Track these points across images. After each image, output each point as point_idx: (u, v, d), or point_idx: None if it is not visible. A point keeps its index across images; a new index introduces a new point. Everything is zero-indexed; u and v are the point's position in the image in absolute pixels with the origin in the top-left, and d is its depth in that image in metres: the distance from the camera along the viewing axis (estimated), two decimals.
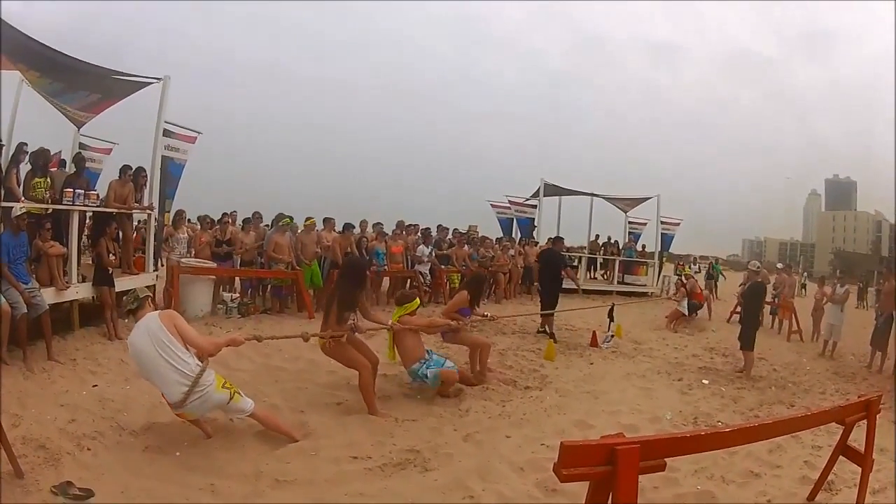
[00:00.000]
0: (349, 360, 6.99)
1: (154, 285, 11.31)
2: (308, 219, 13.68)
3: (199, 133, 13.22)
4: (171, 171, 12.50)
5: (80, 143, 13.10)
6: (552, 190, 22.75)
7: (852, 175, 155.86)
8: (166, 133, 12.00)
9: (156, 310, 5.59)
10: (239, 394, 5.53)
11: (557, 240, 14.85)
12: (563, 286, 12.94)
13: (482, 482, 5.16)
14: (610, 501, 3.18)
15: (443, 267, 16.66)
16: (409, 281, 15.70)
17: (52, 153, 10.11)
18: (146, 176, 11.21)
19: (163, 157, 11.92)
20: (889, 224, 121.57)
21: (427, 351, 7.74)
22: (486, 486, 5.11)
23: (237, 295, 12.84)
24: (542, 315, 12.52)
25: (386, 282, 15.77)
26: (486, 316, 9.68)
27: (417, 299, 8.14)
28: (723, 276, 27.14)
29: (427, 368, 7.43)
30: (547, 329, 12.10)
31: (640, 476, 3.15)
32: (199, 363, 5.32)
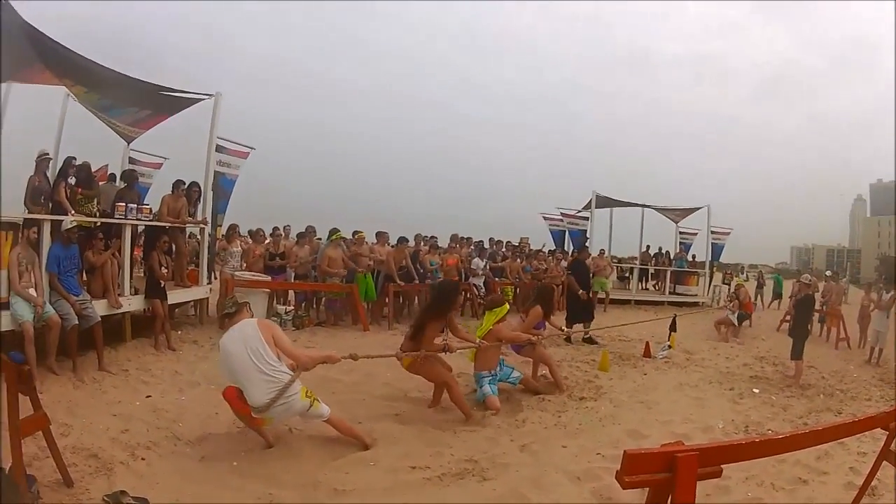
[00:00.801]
0: (436, 374, 7.14)
1: (207, 298, 11.57)
2: (357, 232, 13.66)
3: (251, 148, 13.37)
4: (223, 186, 12.63)
5: (130, 158, 13.20)
6: (603, 202, 22.73)
7: None
8: (218, 148, 12.16)
9: (252, 317, 5.76)
10: (318, 401, 5.62)
11: (583, 250, 15.44)
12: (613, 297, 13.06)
13: (539, 491, 5.11)
14: None
15: (496, 279, 16.47)
16: (464, 293, 15.18)
17: (97, 167, 10.03)
18: (199, 190, 11.25)
19: (215, 171, 12.05)
20: None
21: (500, 361, 7.90)
22: (543, 495, 5.05)
23: (291, 308, 12.65)
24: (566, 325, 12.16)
25: None
26: (563, 329, 10.15)
27: (507, 304, 8.24)
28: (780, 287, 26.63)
29: (490, 382, 7.55)
30: (590, 336, 12.16)
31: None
32: (290, 372, 5.41)
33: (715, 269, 25.36)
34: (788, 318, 15.68)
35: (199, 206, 11.35)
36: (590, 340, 10.14)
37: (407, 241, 14.41)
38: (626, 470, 2.99)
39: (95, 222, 8.94)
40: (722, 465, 3.30)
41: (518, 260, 17.60)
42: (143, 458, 5.12)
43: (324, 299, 13.39)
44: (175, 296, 10.00)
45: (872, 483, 5.10)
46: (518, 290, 16.34)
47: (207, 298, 11.74)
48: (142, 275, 10.02)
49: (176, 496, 4.49)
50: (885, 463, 4.88)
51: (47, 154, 9.17)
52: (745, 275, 25.57)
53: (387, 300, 13.55)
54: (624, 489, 3.13)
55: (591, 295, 13.92)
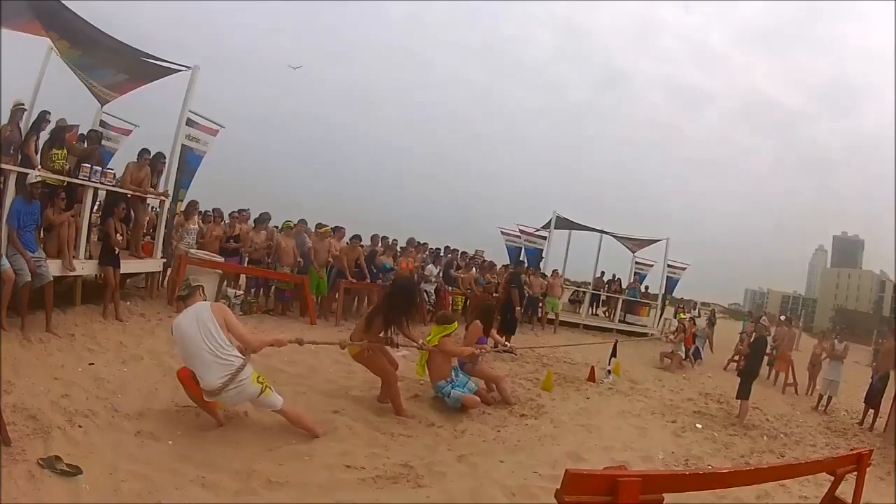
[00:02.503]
0: (381, 368, 7.30)
1: (159, 272, 11.52)
2: (321, 226, 13.71)
3: (221, 127, 13.26)
4: (190, 161, 12.52)
5: (102, 121, 12.99)
6: (564, 223, 22.89)
7: (861, 233, 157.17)
8: (189, 122, 12.05)
9: (205, 300, 5.89)
10: (270, 389, 5.73)
11: (520, 264, 16.81)
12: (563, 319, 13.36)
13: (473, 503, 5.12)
14: None
15: (448, 289, 16.47)
16: None
17: (72, 126, 9.98)
18: (164, 162, 11.20)
19: (183, 145, 11.96)
20: (892, 284, 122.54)
21: (454, 369, 8.08)
22: None
23: (241, 292, 12.69)
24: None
25: None
26: (507, 346, 10.20)
27: (456, 322, 8.50)
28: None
29: (452, 388, 7.74)
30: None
31: None
32: (241, 356, 5.52)
33: (668, 302, 25.62)
34: (736, 357, 16.22)
35: (163, 178, 11.25)
36: (509, 351, 10.38)
37: (360, 238, 14.44)
38: (566, 489, 3.02)
39: (62, 181, 8.81)
40: (663, 495, 3.35)
41: (473, 270, 17.59)
42: (80, 426, 5.10)
43: (273, 288, 13.37)
44: (128, 266, 9.93)
45: None
46: (468, 301, 16.35)
47: (160, 272, 11.69)
48: (97, 240, 9.85)
49: (110, 469, 4.50)
50: None
51: (22, 104, 9.06)
52: (696, 311, 25.75)
53: (336, 296, 13.53)
54: None
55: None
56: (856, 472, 4.78)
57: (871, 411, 12.10)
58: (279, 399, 5.80)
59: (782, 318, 21.08)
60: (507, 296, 14.84)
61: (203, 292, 6.03)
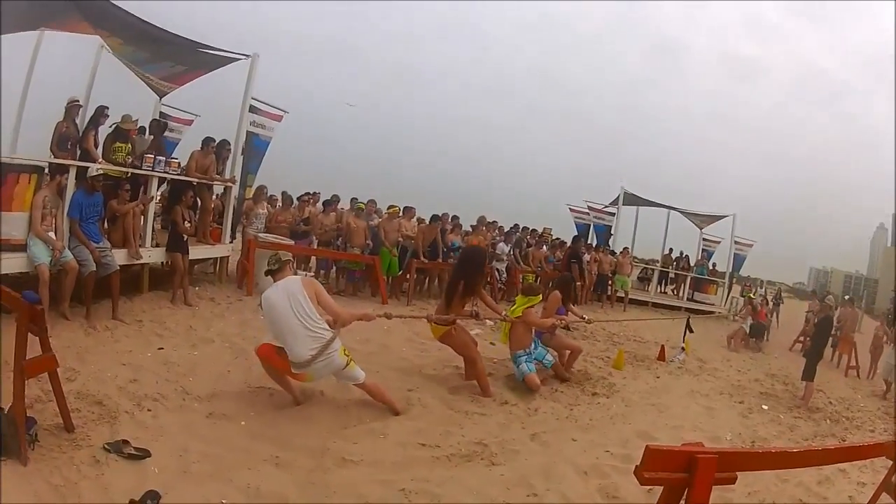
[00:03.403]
0: (464, 346, 7.26)
1: (228, 257, 11.60)
2: (391, 206, 13.70)
3: (285, 112, 13.37)
4: (257, 146, 12.65)
5: (161, 113, 13.07)
6: (631, 199, 22.63)
7: None
8: (252, 109, 12.12)
9: (295, 275, 6.02)
10: (353, 362, 5.80)
11: (579, 239, 17.43)
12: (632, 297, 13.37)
13: (546, 482, 5.09)
14: None
15: (519, 266, 16.42)
16: (485, 277, 15.24)
17: (135, 120, 9.97)
18: (230, 149, 11.27)
19: (248, 132, 12.06)
20: None
21: (534, 341, 8.00)
22: (550, 485, 5.03)
23: (311, 274, 12.53)
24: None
25: None
26: (584, 318, 9.94)
27: (541, 295, 8.48)
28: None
29: (527, 360, 7.69)
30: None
31: None
32: (331, 329, 5.56)
33: (735, 280, 25.10)
34: (802, 338, 15.96)
35: (228, 165, 11.34)
36: (585, 321, 10.15)
37: (440, 219, 14.38)
38: (646, 465, 2.98)
39: (126, 173, 8.87)
40: (737, 473, 3.31)
41: (543, 248, 17.46)
42: (149, 410, 5.11)
43: (344, 269, 13.20)
44: (196, 252, 9.98)
45: None
46: (539, 279, 16.08)
47: (228, 257, 11.76)
48: (160, 228, 9.94)
49: (180, 451, 4.49)
50: (884, 494, 5.02)
51: (77, 101, 9.13)
52: (763, 290, 25.14)
53: (408, 276, 13.63)
54: (642, 485, 3.10)
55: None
56: None
57: None
58: (362, 373, 5.85)
59: (846, 297, 20.42)
60: (567, 271, 14.58)
61: (293, 266, 6.12)
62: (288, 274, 5.80)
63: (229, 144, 11.22)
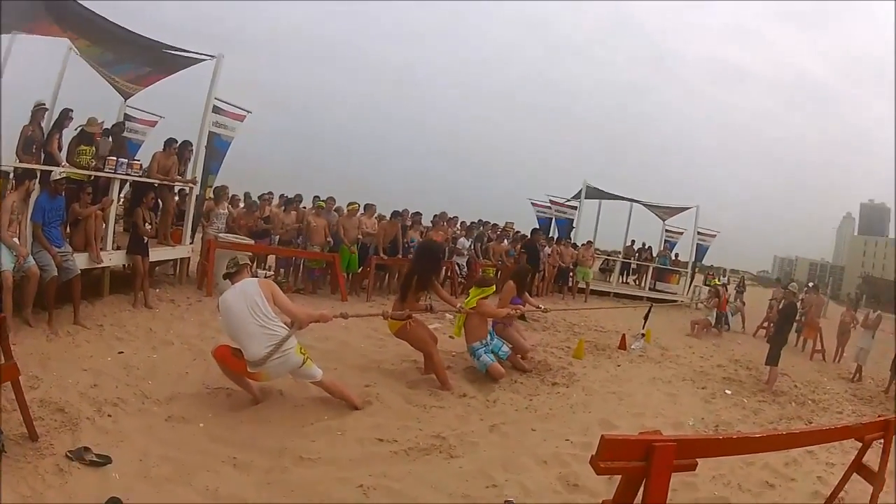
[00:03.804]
0: (423, 340, 7.40)
1: (188, 258, 11.65)
2: (351, 204, 13.73)
3: (248, 112, 13.35)
4: (218, 147, 12.62)
5: (126, 114, 13.16)
6: (594, 193, 23.01)
7: (888, 201, 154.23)
8: (215, 110, 12.13)
9: (254, 276, 6.29)
10: (310, 360, 5.90)
11: (535, 231, 17.75)
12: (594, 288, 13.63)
13: (506, 473, 5.15)
14: (640, 498, 3.12)
15: (479, 261, 16.50)
16: (444, 271, 15.47)
17: (100, 122, 10.00)
18: (192, 150, 11.33)
19: (210, 132, 12.07)
20: None
21: (490, 332, 8.20)
22: (510, 476, 5.10)
23: (271, 273, 12.66)
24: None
25: None
26: (540, 308, 10.05)
27: (494, 286, 8.61)
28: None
29: (485, 352, 7.85)
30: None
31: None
32: (286, 327, 5.68)
33: (697, 269, 25.48)
34: (766, 324, 16.21)
35: (190, 166, 11.37)
36: (541, 310, 10.28)
37: (400, 215, 14.50)
38: (602, 455, 3.01)
39: (89, 176, 8.94)
40: (697, 459, 3.33)
41: (504, 242, 17.65)
42: (109, 415, 5.15)
43: (303, 267, 13.46)
44: (157, 253, 10.03)
45: (840, 495, 5.21)
46: (500, 272, 16.19)
47: (189, 258, 11.81)
48: (123, 230, 10.01)
49: (140, 455, 4.55)
50: (855, 476, 5.02)
51: (43, 104, 9.17)
52: (726, 278, 25.54)
53: (368, 273, 13.62)
54: (598, 475, 3.15)
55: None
56: (883, 439, 4.76)
57: None
58: (319, 371, 5.95)
59: (810, 284, 20.77)
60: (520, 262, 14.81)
61: (250, 270, 6.29)
62: (246, 276, 5.94)
63: (191, 145, 11.31)
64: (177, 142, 10.82)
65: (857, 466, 4.99)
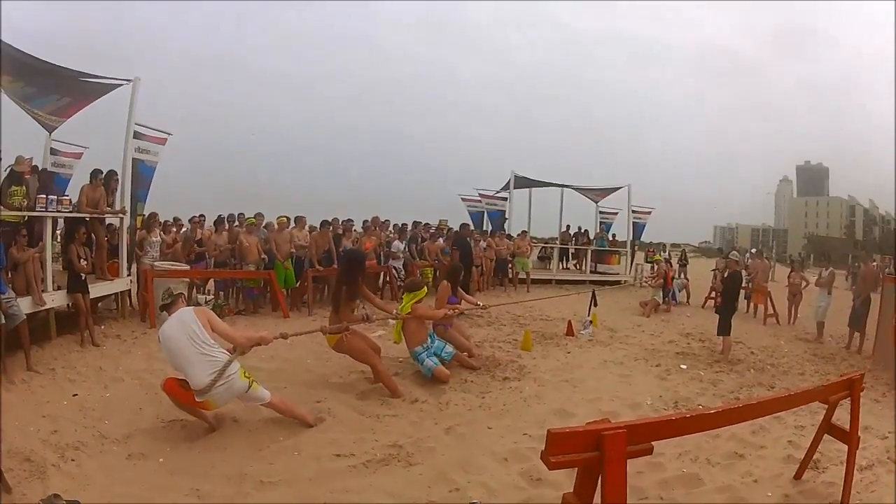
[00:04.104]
0: (362, 352, 7.41)
1: (129, 290, 11.51)
2: (279, 217, 13.72)
3: (168, 134, 13.28)
4: (143, 173, 12.56)
5: (52, 149, 13.04)
6: (522, 182, 23.07)
7: (824, 162, 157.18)
8: (136, 135, 12.07)
9: (196, 304, 6.21)
10: (256, 383, 5.95)
11: (463, 226, 17.10)
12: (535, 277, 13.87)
13: (466, 474, 5.21)
14: (599, 488, 3.19)
15: (416, 261, 16.67)
16: (381, 276, 15.78)
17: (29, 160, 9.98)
18: (118, 179, 11.21)
19: (134, 159, 12.04)
20: (863, 208, 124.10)
21: (430, 335, 8.27)
22: (471, 478, 5.15)
23: (211, 297, 12.89)
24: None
25: None
26: (479, 305, 10.07)
27: (426, 288, 8.58)
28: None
29: (427, 355, 7.96)
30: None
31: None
32: (227, 353, 5.75)
33: (637, 248, 25.70)
34: (713, 295, 16.42)
35: (118, 195, 11.29)
36: (480, 307, 10.28)
37: (330, 224, 14.52)
38: (551, 450, 3.06)
39: (22, 217, 8.92)
40: (653, 442, 3.41)
41: (439, 241, 17.77)
42: (72, 459, 5.18)
43: (241, 287, 13.40)
44: (97, 289, 10.03)
45: (815, 456, 5.38)
46: (437, 271, 16.45)
47: (129, 290, 11.69)
48: (62, 269, 9.90)
49: (107, 497, 4.56)
50: (825, 437, 5.16)
51: None
52: (667, 253, 26.01)
53: (306, 286, 13.57)
54: (550, 469, 3.16)
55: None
56: (849, 398, 4.89)
57: (857, 335, 12.28)
58: (267, 392, 6.02)
59: (753, 250, 21.25)
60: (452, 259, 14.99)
61: (185, 298, 6.43)
62: (181, 306, 6.00)
63: (117, 174, 11.18)
64: (102, 172, 10.71)
65: (828, 427, 5.12)
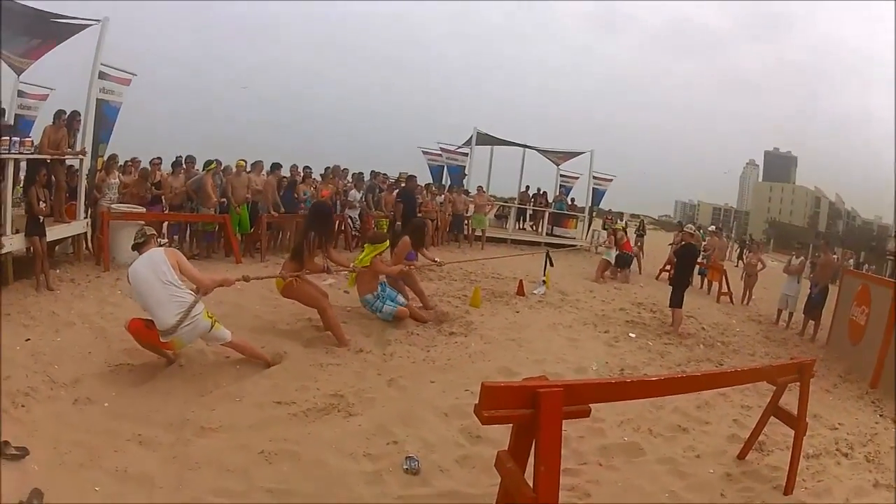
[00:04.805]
0: (312, 297, 7.60)
1: (85, 233, 11.60)
2: (239, 161, 13.81)
3: (133, 75, 13.17)
4: (106, 114, 12.51)
5: (19, 91, 13.09)
6: (485, 139, 23.13)
7: (793, 151, 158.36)
8: (101, 75, 11.98)
9: (159, 246, 6.36)
10: (218, 322, 6.20)
11: (411, 179, 17.46)
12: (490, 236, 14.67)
13: (406, 428, 5.36)
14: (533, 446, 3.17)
15: (372, 212, 16.78)
16: (338, 225, 15.57)
17: None
18: (80, 120, 11.20)
19: (98, 99, 11.99)
20: (828, 201, 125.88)
21: (380, 284, 8.54)
22: (410, 431, 5.31)
23: (166, 240, 12.77)
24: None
25: None
26: (436, 261, 10.30)
27: (388, 241, 8.91)
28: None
29: (381, 302, 8.31)
30: None
31: (565, 424, 3.16)
32: (193, 294, 5.98)
33: (595, 214, 25.99)
34: (668, 267, 16.74)
35: (79, 136, 11.31)
36: (437, 264, 10.53)
37: (280, 166, 14.97)
38: (484, 404, 3.06)
39: None
40: (591, 405, 3.38)
41: (395, 192, 17.67)
42: (22, 406, 5.22)
43: (196, 231, 13.46)
44: (54, 232, 10.06)
45: (760, 438, 5.53)
46: (393, 223, 16.25)
47: (85, 233, 11.54)
48: (24, 212, 9.70)
49: (54, 442, 4.65)
50: (773, 420, 5.32)
51: None
52: (624, 222, 26.44)
53: (260, 232, 13.76)
54: (483, 424, 3.17)
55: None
56: (799, 383, 4.97)
57: (812, 322, 12.55)
58: (228, 332, 6.26)
59: (711, 228, 21.52)
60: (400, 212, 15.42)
61: (156, 240, 6.54)
62: (152, 246, 6.19)
63: (80, 115, 11.16)
64: (66, 113, 10.71)
65: (775, 410, 5.25)
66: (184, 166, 13.57)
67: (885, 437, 6.73)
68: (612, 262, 16.44)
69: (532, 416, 3.07)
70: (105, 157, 12.56)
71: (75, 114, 11.07)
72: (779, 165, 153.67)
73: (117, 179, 12.42)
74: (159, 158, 13.82)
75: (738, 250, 30.83)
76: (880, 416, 7.59)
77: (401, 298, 8.61)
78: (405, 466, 4.76)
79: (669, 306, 10.97)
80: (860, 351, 9.91)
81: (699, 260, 14.42)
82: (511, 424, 3.33)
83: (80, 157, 11.20)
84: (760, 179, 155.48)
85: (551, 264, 13.18)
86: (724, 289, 15.88)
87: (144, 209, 12.17)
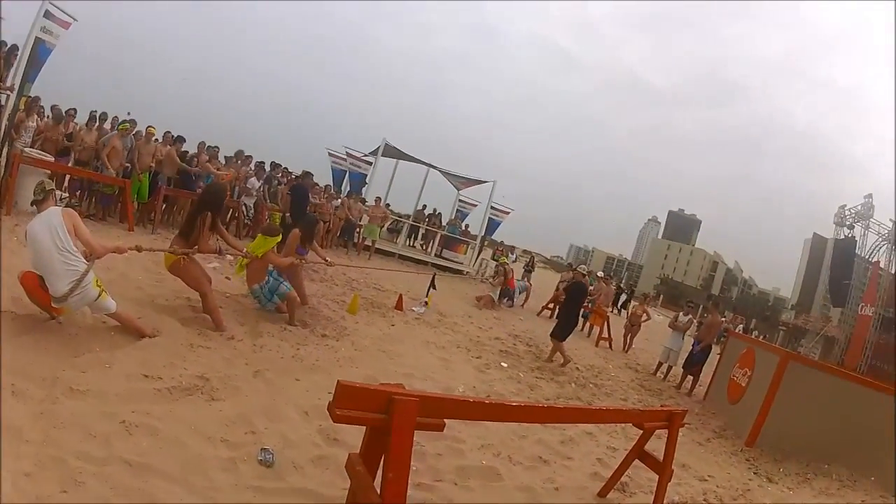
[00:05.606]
0: (196, 279, 7.56)
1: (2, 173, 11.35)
2: (150, 127, 13.91)
3: (74, 20, 12.86)
4: (40, 54, 12.30)
5: None
6: (392, 151, 23.40)
7: (699, 215, 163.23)
8: (47, 14, 11.94)
9: (56, 205, 6.10)
10: (105, 293, 6.10)
11: (306, 175, 17.61)
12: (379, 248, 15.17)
13: (266, 420, 5.36)
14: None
15: (267, 203, 16.82)
16: (231, 211, 15.99)
17: None
18: (17, 55, 11.23)
19: (36, 37, 11.83)
20: (726, 267, 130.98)
21: (269, 272, 8.54)
22: (270, 425, 5.31)
23: (66, 195, 12.72)
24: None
25: None
26: (326, 260, 10.31)
27: (280, 236, 8.75)
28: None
29: (269, 293, 8.43)
30: None
31: (424, 439, 3.32)
32: (85, 262, 5.85)
33: (487, 243, 26.56)
34: (551, 304, 17.86)
35: (12, 71, 11.34)
36: (327, 263, 10.43)
37: (184, 140, 14.94)
38: (338, 402, 3.04)
39: None
40: (451, 423, 3.47)
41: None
42: None
43: (97, 191, 13.21)
44: None
45: (624, 480, 5.65)
46: (285, 217, 16.24)
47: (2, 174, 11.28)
48: None
49: None
50: (638, 465, 5.44)
51: None
52: (514, 256, 27.05)
53: (156, 203, 13.82)
54: (335, 422, 3.15)
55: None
56: (667, 430, 5.11)
57: (690, 378, 12.94)
58: (114, 303, 6.18)
59: (600, 274, 22.22)
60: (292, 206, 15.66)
61: (55, 197, 6.34)
62: (51, 204, 5.94)
63: (18, 50, 11.18)
64: (6, 45, 10.78)
65: (640, 453, 5.31)
66: (97, 122, 13.68)
67: (759, 493, 7.14)
68: (496, 298, 17.16)
69: (385, 422, 3.12)
70: (30, 97, 12.52)
71: (14, 48, 11.14)
72: (680, 226, 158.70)
73: (35, 123, 12.36)
74: (74, 109, 13.85)
75: (624, 300, 31.60)
76: (754, 473, 7.93)
77: (285, 286, 8.56)
78: (260, 458, 4.79)
79: (551, 336, 11.30)
80: (738, 410, 10.22)
81: (585, 304, 14.77)
82: (365, 428, 3.39)
83: (8, 92, 11.24)
84: (660, 236, 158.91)
85: (434, 287, 13.61)
86: (605, 334, 16.34)
87: (53, 159, 12.06)
